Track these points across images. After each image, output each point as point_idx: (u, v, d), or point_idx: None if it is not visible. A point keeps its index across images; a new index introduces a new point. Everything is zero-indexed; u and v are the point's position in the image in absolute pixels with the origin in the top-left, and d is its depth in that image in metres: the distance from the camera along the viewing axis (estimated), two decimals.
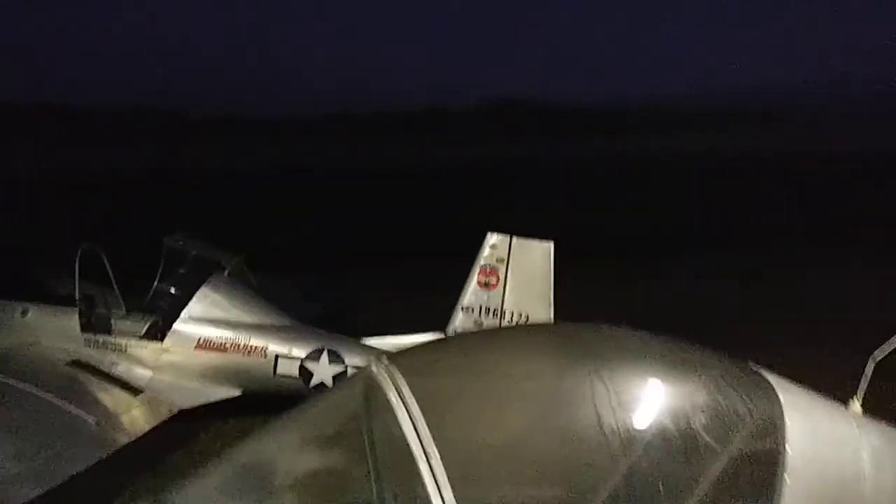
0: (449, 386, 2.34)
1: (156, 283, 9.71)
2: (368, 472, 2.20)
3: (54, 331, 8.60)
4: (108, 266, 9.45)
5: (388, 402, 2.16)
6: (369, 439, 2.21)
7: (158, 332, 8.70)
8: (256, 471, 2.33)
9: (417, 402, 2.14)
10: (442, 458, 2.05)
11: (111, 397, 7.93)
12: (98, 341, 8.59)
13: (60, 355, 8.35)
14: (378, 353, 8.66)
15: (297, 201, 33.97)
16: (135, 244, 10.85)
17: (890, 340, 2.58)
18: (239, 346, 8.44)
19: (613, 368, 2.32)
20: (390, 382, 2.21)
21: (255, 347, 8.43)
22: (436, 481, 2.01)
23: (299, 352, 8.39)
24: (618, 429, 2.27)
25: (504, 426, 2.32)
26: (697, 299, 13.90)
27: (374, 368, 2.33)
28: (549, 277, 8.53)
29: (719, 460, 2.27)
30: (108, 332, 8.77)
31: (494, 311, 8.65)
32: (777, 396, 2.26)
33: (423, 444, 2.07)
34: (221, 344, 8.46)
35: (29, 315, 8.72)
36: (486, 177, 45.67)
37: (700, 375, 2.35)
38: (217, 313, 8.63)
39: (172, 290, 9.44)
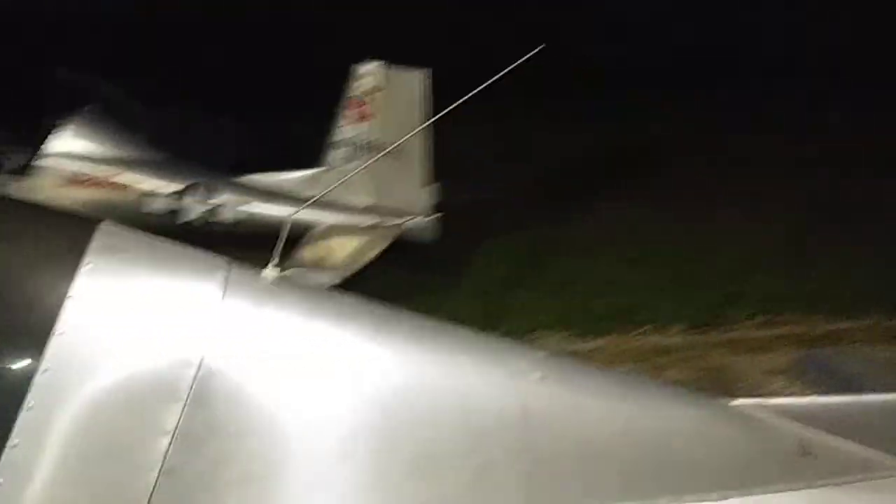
0: None
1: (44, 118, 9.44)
2: None
3: None
4: None
5: None
6: None
7: (28, 169, 8.51)
8: None
9: None
10: None
11: None
12: None
13: None
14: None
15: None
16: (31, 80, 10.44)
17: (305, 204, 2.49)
18: (104, 181, 8.31)
19: None
20: None
21: (122, 183, 8.32)
22: None
23: (167, 187, 8.30)
24: None
25: None
26: None
27: None
28: (422, 107, 8.38)
29: None
30: None
31: (368, 143, 8.56)
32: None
33: None
34: (86, 180, 8.33)
35: None
36: None
37: None
38: (85, 147, 8.43)
39: (57, 125, 9.18)
